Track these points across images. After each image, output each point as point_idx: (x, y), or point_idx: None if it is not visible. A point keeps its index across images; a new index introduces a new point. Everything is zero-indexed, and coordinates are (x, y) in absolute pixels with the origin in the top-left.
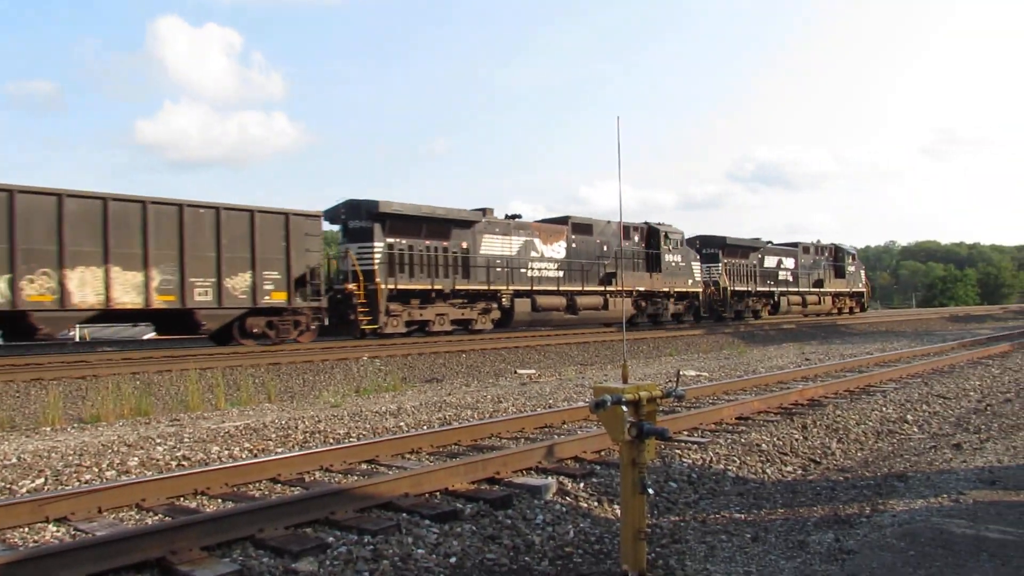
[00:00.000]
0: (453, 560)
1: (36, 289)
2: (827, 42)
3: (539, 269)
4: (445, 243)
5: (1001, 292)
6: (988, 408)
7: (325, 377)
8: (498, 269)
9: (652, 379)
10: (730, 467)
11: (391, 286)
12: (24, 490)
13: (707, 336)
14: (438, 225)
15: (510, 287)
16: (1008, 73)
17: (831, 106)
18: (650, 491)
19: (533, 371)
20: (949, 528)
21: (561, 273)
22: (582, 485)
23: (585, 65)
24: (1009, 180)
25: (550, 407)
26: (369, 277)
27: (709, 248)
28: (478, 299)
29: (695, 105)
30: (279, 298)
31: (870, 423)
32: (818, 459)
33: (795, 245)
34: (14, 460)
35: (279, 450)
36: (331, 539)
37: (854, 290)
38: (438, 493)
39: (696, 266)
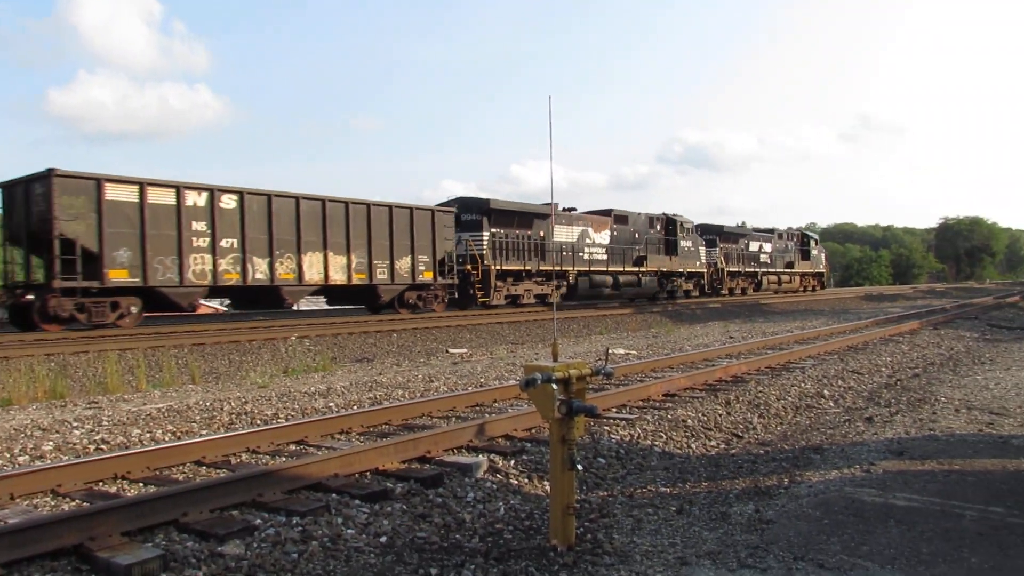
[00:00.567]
0: (383, 539)
1: (284, 269)
2: (753, 29)
3: (592, 253)
4: (529, 232)
5: (912, 272)
6: (898, 383)
7: (252, 357)
8: (564, 253)
9: (582, 357)
10: (657, 443)
11: (497, 267)
12: None
13: (636, 315)
14: (525, 217)
15: (574, 268)
16: (921, 63)
17: (756, 91)
18: (579, 467)
19: (465, 350)
20: (860, 497)
21: (607, 256)
22: (513, 463)
23: (511, 44)
24: (920, 166)
25: (481, 386)
26: (481, 260)
27: (708, 235)
28: (552, 277)
29: (625, 87)
30: (428, 276)
31: (789, 398)
32: (740, 433)
33: (771, 231)
34: None
35: (204, 432)
36: (258, 521)
37: (817, 270)
38: (368, 473)
39: (702, 251)
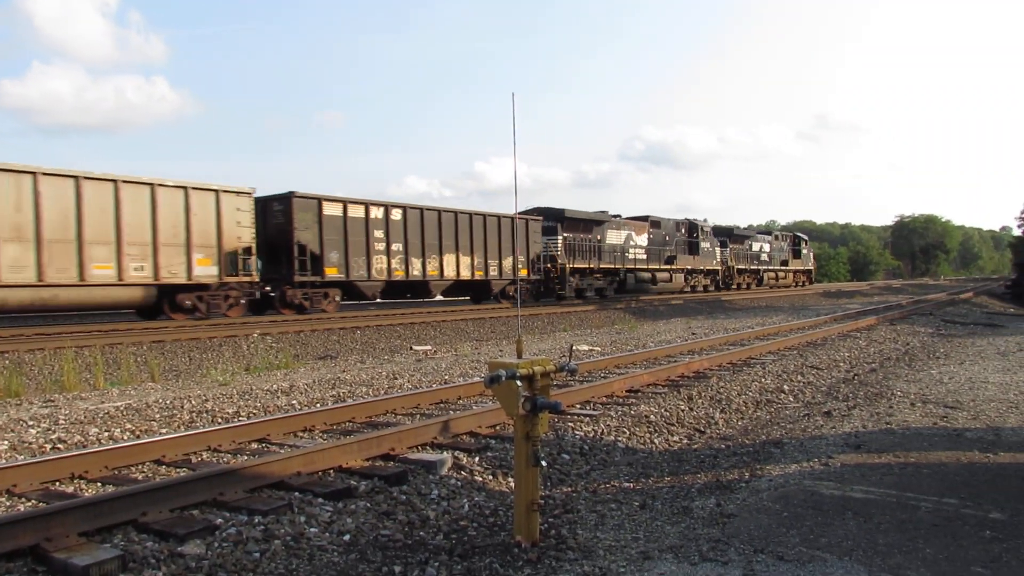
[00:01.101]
0: (347, 538)
1: (431, 267)
2: (713, 29)
3: (635, 253)
4: (590, 236)
5: (869, 269)
6: (855, 378)
7: (213, 355)
8: (615, 253)
9: (546, 354)
10: (620, 438)
11: (570, 265)
12: None
13: (600, 312)
14: (587, 224)
15: (624, 266)
16: (878, 65)
17: (716, 90)
18: (543, 463)
19: (429, 347)
20: (819, 490)
21: (646, 256)
22: (477, 459)
23: (474, 41)
24: (877, 165)
25: (446, 383)
26: (556, 260)
27: (720, 237)
28: (607, 275)
29: (587, 85)
30: (524, 273)
31: (750, 393)
32: (702, 429)
33: (769, 232)
34: None
35: (163, 431)
36: (220, 520)
37: (806, 268)
38: (332, 471)
39: (717, 251)
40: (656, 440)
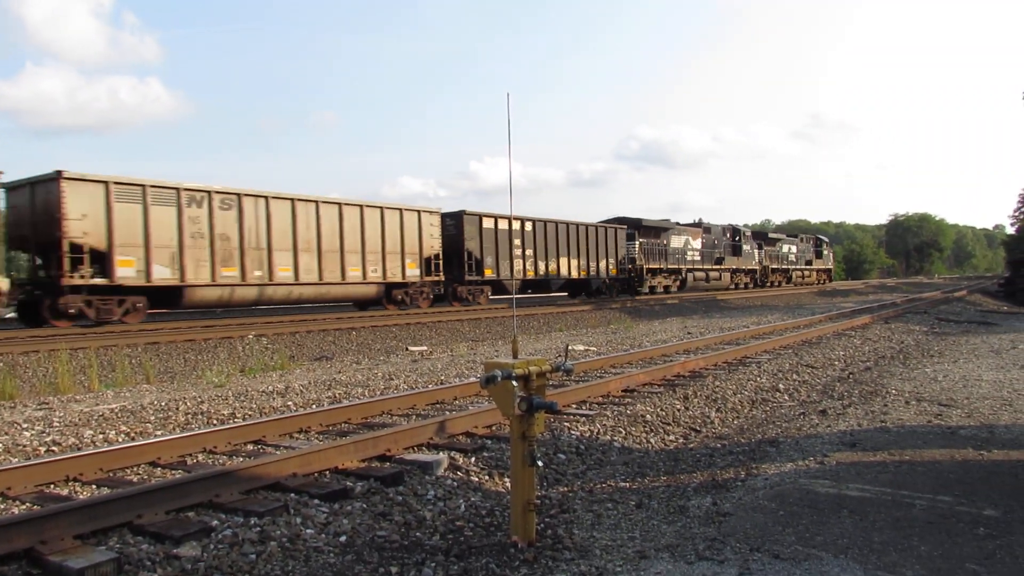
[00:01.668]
0: (343, 539)
1: (552, 268)
2: (707, 27)
3: (692, 255)
4: (658, 240)
5: (864, 268)
6: (850, 376)
7: (208, 356)
8: (677, 256)
9: (542, 354)
10: (616, 438)
11: (646, 266)
12: None
13: (595, 311)
14: (657, 231)
15: (684, 267)
16: (872, 64)
17: (710, 90)
18: (539, 463)
19: (425, 348)
20: (815, 488)
21: (700, 258)
22: (473, 460)
23: (469, 41)
24: (871, 163)
25: (442, 383)
26: (635, 261)
27: (756, 239)
28: (671, 274)
29: (582, 84)
30: (614, 272)
31: (746, 392)
32: (698, 428)
33: (795, 235)
34: None
35: (159, 433)
36: (215, 522)
37: (827, 267)
38: (328, 472)
39: (756, 252)
40: (652, 440)
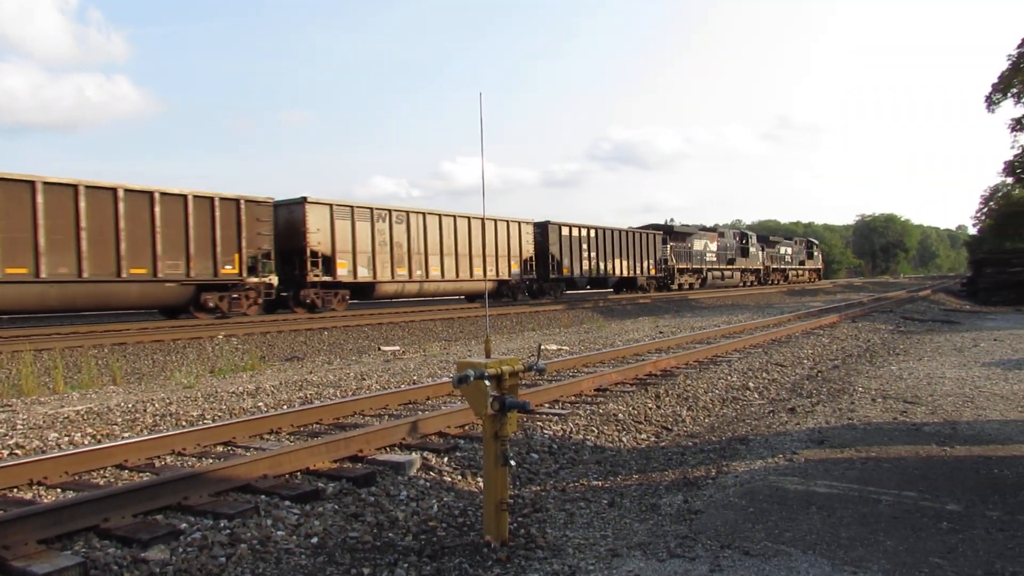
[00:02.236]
0: (315, 540)
1: (608, 268)
2: (677, 29)
3: (709, 256)
4: (684, 244)
5: (832, 268)
6: (819, 374)
7: (177, 357)
8: (698, 257)
9: (515, 353)
10: (588, 437)
11: (676, 266)
12: None
13: (568, 311)
14: (683, 235)
15: (705, 267)
16: (839, 67)
17: (681, 91)
18: (512, 463)
19: (397, 348)
20: (784, 485)
21: (716, 259)
22: (446, 460)
23: (440, 40)
24: (839, 165)
25: (414, 383)
26: (667, 262)
27: (760, 242)
28: (694, 273)
29: (554, 84)
30: (653, 272)
31: (717, 391)
32: (670, 426)
33: (790, 238)
34: None
35: (126, 435)
36: (184, 525)
37: (817, 267)
38: (299, 473)
39: (759, 254)
40: (624, 438)
